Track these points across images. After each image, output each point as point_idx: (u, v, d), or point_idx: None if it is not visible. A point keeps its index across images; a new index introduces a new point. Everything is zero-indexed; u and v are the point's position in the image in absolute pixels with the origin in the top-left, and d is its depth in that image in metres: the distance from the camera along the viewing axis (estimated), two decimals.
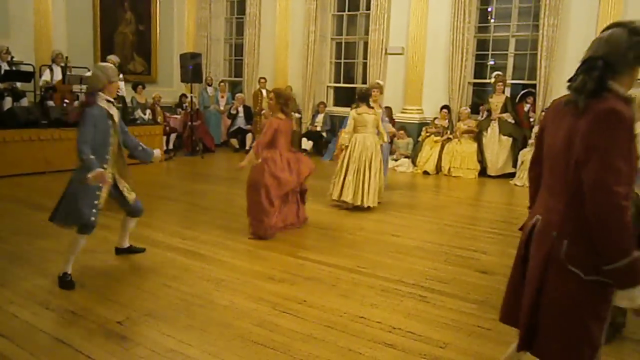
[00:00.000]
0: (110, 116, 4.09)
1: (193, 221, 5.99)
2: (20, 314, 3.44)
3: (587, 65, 1.97)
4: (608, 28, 2.02)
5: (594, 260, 1.91)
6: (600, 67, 1.92)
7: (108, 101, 4.09)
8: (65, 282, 3.98)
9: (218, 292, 3.94)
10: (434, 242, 5.47)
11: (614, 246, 1.85)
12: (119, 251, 4.76)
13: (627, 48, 1.93)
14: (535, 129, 8.98)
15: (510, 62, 10.40)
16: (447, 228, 6.09)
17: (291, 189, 5.62)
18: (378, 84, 7.72)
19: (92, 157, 3.89)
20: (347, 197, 6.63)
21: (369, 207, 6.67)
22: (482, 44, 10.73)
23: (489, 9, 10.56)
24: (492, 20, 10.63)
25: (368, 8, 11.45)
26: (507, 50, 10.39)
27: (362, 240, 5.48)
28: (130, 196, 4.42)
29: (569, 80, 2.03)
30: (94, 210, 4.03)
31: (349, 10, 12.10)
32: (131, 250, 4.77)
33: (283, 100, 5.54)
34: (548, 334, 2.05)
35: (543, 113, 8.85)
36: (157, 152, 4.64)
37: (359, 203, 6.63)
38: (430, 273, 4.51)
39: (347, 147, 6.80)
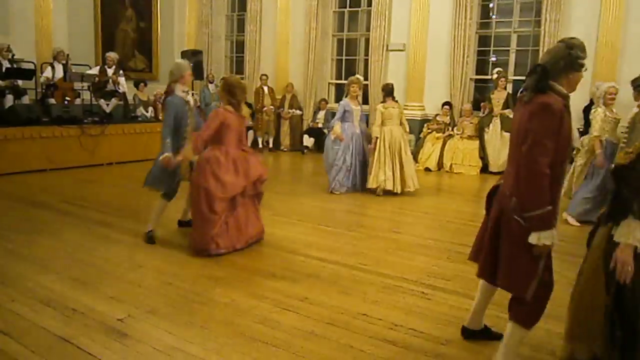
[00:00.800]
0: (187, 102, 4.95)
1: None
2: (21, 312, 3.44)
3: (531, 70, 2.67)
4: (557, 43, 2.74)
5: None
6: (539, 72, 2.60)
7: (184, 91, 4.98)
8: (149, 237, 4.98)
9: (219, 289, 3.93)
10: (435, 239, 5.46)
11: (533, 199, 2.54)
12: (181, 224, 5.54)
13: (560, 58, 2.62)
14: None
15: (512, 58, 10.38)
16: (448, 225, 6.07)
17: (238, 194, 4.76)
18: (357, 79, 7.75)
19: (168, 141, 4.73)
20: (389, 186, 7.42)
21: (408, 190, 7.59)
22: (483, 40, 10.70)
23: (491, 5, 10.54)
24: (494, 16, 10.60)
25: (369, 4, 11.43)
26: (508, 47, 10.36)
27: (364, 237, 5.47)
28: None
29: (525, 79, 2.73)
30: (176, 180, 4.98)
31: (350, 7, 12.07)
32: (190, 224, 5.20)
33: (227, 89, 4.81)
34: (504, 268, 2.72)
35: None
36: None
37: (399, 190, 7.44)
38: (432, 270, 4.50)
39: (377, 139, 7.51)
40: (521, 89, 2.73)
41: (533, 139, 2.52)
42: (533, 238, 2.55)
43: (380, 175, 7.40)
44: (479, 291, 3.17)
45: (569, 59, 2.62)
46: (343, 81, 12.36)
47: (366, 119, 8.87)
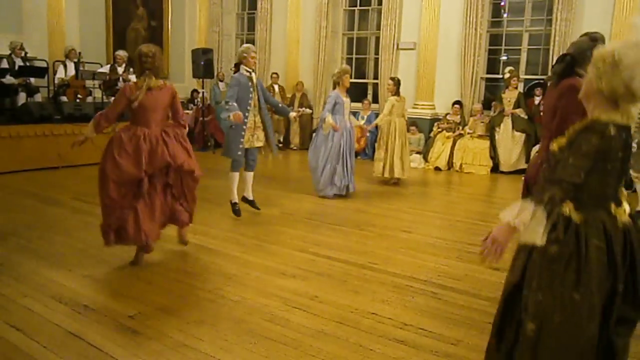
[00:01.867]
0: (250, 79, 5.77)
1: (204, 216, 5.98)
2: (33, 307, 3.47)
3: (560, 58, 3.16)
4: (581, 37, 3.24)
5: None
6: (567, 61, 3.09)
7: (247, 70, 5.79)
8: (235, 210, 5.92)
9: (229, 287, 3.94)
10: (445, 238, 5.44)
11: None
12: (245, 199, 6.10)
13: (586, 48, 2.94)
14: None
15: (524, 57, 10.30)
16: (458, 224, 6.05)
17: (140, 179, 4.12)
18: (349, 69, 7.66)
19: (232, 103, 5.49)
20: (398, 173, 7.98)
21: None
22: (494, 39, 10.63)
23: (502, 3, 10.45)
24: (505, 15, 10.52)
25: (380, 3, 11.39)
26: (520, 45, 10.29)
27: (374, 236, 5.46)
28: (258, 143, 5.94)
29: (553, 67, 3.22)
30: (240, 148, 5.72)
31: (360, 6, 12.05)
32: (253, 204, 6.11)
33: (135, 61, 4.28)
34: None
35: None
36: (292, 113, 6.35)
37: (406, 176, 8.15)
38: (442, 269, 4.48)
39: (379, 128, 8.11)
40: (552, 74, 3.20)
41: (561, 115, 2.94)
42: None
43: (396, 164, 7.96)
44: None
45: (595, 48, 2.58)
46: (353, 80, 12.35)
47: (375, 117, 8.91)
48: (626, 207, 2.12)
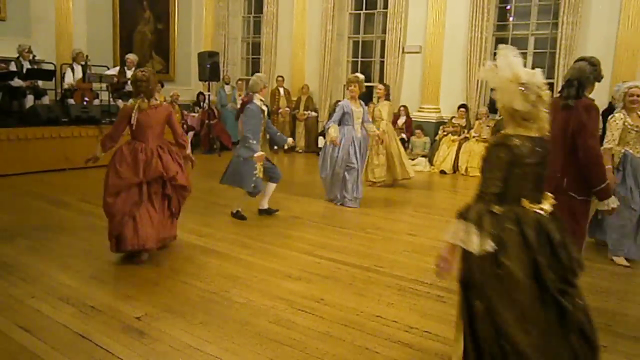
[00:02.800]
0: (262, 111, 5.81)
1: (210, 219, 6.02)
2: (41, 308, 3.50)
3: (569, 84, 3.57)
4: (577, 61, 3.65)
5: (581, 188, 3.52)
6: (576, 85, 3.54)
7: (261, 99, 5.82)
8: (239, 216, 5.99)
9: (235, 289, 3.96)
10: None
11: (597, 177, 3.48)
12: (261, 212, 6.18)
13: (589, 73, 3.56)
14: None
15: (530, 60, 10.27)
16: None
17: (134, 185, 4.48)
18: (356, 77, 6.93)
19: (254, 142, 5.68)
20: (403, 174, 8.14)
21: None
22: (500, 43, 10.57)
23: (508, 7, 10.44)
24: (511, 19, 10.51)
25: (385, 6, 11.41)
26: (526, 49, 10.27)
27: (379, 239, 5.46)
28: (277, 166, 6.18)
29: (560, 92, 3.65)
30: (254, 179, 5.76)
31: (366, 9, 12.07)
32: (269, 211, 6.19)
33: (132, 84, 4.67)
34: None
35: None
36: (290, 140, 6.48)
37: (413, 174, 8.36)
38: None
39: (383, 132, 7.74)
40: (565, 99, 3.55)
41: (588, 131, 3.44)
42: (602, 205, 3.57)
43: (398, 166, 8.05)
44: None
45: (595, 73, 3.58)
46: None
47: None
48: (544, 205, 2.49)
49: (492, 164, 2.46)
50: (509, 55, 2.65)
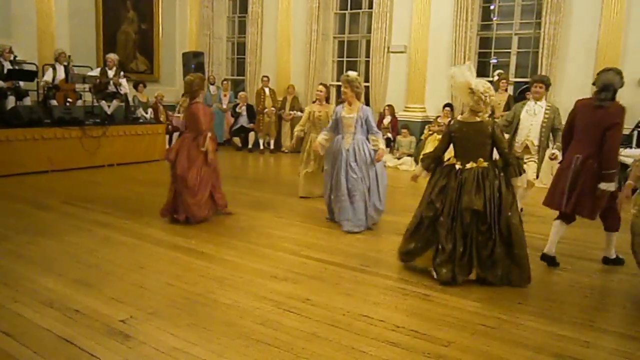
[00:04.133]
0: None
1: None
2: (24, 313, 3.44)
3: (606, 89, 4.36)
4: (606, 70, 4.48)
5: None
6: (612, 90, 4.37)
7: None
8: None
9: (221, 290, 3.94)
10: None
11: (614, 165, 4.37)
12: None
13: (618, 81, 4.40)
14: None
15: (513, 60, 10.37)
16: None
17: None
18: (346, 77, 5.80)
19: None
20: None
21: None
22: (484, 42, 10.70)
23: (492, 7, 10.53)
24: (495, 18, 10.60)
25: (370, 6, 11.44)
26: (509, 49, 10.36)
27: (365, 238, 5.47)
28: None
29: (598, 95, 4.41)
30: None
31: (351, 9, 12.08)
32: None
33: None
34: (584, 202, 4.41)
35: None
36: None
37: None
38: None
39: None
40: (602, 100, 4.37)
41: (618, 128, 4.33)
42: (605, 186, 4.30)
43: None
44: (555, 228, 4.67)
45: (621, 81, 4.42)
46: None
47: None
48: (478, 164, 4.19)
49: (441, 138, 4.70)
50: (464, 69, 4.28)
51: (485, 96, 4.11)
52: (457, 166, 4.25)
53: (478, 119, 4.19)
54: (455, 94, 4.64)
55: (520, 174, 4.25)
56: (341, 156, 5.69)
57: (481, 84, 4.15)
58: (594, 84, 4.55)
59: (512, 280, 4.13)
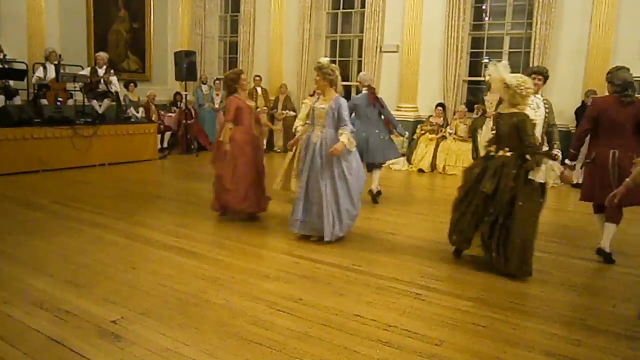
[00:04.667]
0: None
1: (188, 220, 5.97)
2: (14, 314, 3.41)
3: (631, 86, 4.72)
4: (619, 69, 4.83)
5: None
6: (634, 87, 4.71)
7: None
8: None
9: (213, 290, 3.92)
10: (429, 239, 5.48)
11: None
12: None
13: (632, 78, 4.76)
14: None
15: (505, 59, 10.39)
16: (442, 226, 6.05)
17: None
18: (319, 64, 5.42)
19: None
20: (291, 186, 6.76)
21: None
22: (476, 42, 10.74)
23: (484, 7, 10.56)
24: (487, 18, 10.64)
25: (363, 6, 11.45)
26: (501, 48, 10.41)
27: (357, 238, 5.47)
28: None
29: (622, 93, 4.72)
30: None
31: (343, 8, 12.09)
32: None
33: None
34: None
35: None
36: None
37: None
38: (425, 271, 4.51)
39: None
40: (630, 97, 4.70)
41: None
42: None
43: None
44: (601, 222, 4.92)
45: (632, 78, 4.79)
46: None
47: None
48: (503, 152, 4.50)
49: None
50: (499, 66, 4.58)
51: (521, 89, 4.34)
52: (491, 153, 4.66)
53: (515, 110, 4.43)
54: (493, 91, 5.38)
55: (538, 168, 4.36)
56: (309, 148, 5.17)
57: (515, 79, 4.38)
58: (609, 82, 4.82)
59: (509, 267, 4.31)
